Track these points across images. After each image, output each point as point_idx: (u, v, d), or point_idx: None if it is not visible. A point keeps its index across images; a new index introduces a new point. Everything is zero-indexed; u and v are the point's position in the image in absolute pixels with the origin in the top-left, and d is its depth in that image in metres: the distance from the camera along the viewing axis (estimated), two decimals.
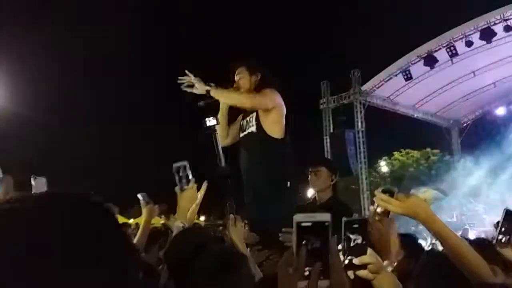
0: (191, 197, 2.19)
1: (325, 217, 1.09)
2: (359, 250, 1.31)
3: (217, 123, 2.86)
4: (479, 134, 19.70)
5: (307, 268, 1.06)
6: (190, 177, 2.20)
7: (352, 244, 1.30)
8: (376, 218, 1.62)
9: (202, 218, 12.92)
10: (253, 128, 3.33)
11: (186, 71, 3.28)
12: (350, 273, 1.31)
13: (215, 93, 3.18)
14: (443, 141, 20.64)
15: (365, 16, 29.85)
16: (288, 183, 3.22)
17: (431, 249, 3.45)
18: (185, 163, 2.22)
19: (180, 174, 2.20)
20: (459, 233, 11.79)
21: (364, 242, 1.31)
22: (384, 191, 1.64)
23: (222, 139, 3.24)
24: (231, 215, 2.65)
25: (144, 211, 3.22)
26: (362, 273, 1.31)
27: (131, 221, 9.13)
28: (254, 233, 3.01)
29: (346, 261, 1.30)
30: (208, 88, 3.18)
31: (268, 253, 2.70)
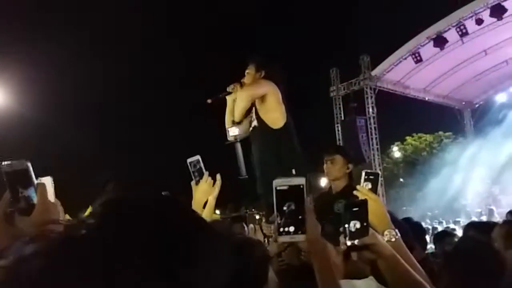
0: (205, 190, 2.26)
1: (300, 180, 1.18)
2: (361, 233, 1.28)
3: (240, 133, 2.92)
4: (492, 114, 19.39)
5: (286, 228, 1.15)
6: (204, 170, 2.26)
7: (353, 228, 1.28)
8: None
9: (218, 211, 13.02)
10: (255, 122, 3.40)
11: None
12: (354, 255, 1.30)
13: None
14: (456, 123, 20.40)
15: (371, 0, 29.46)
16: (293, 171, 3.20)
17: (464, 234, 3.44)
18: (198, 157, 2.28)
19: (194, 168, 2.25)
20: (483, 218, 11.68)
21: (365, 224, 1.29)
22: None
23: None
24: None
25: None
26: (365, 254, 1.30)
27: None
28: (270, 224, 3.03)
29: (349, 243, 1.27)
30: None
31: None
